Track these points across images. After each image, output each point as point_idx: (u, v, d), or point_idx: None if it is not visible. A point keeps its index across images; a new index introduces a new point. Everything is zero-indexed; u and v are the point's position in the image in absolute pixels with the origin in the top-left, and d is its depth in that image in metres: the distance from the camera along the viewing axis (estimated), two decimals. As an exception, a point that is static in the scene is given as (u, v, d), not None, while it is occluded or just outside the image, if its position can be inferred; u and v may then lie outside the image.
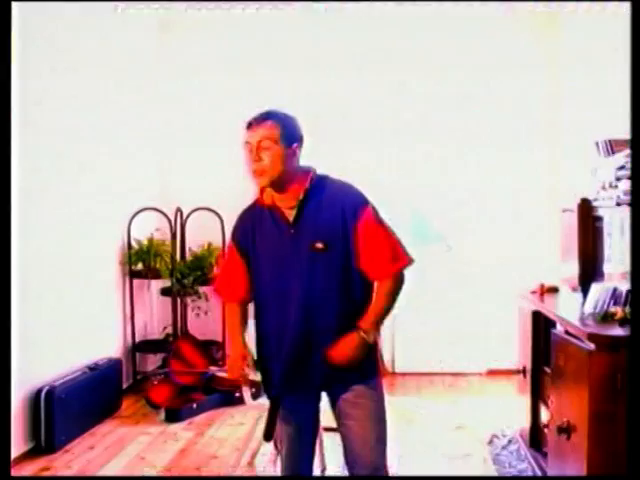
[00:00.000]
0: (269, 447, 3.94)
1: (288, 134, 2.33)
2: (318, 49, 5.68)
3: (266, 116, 2.34)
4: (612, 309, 2.87)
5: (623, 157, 3.16)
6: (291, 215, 2.36)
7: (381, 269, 2.36)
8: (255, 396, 2.72)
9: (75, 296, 4.46)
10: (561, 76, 5.39)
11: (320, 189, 2.39)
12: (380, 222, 2.36)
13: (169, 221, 5.33)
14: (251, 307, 2.57)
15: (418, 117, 5.67)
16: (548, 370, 3.42)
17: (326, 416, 3.87)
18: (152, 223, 5.34)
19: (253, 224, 2.44)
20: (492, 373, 5.59)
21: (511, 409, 4.29)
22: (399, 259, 2.37)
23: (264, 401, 2.57)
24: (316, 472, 3.37)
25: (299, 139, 2.38)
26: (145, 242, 5.22)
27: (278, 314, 2.38)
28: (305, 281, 2.32)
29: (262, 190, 2.42)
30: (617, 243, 3.34)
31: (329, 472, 3.65)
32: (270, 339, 2.44)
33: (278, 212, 2.39)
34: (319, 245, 2.31)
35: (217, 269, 2.97)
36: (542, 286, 3.87)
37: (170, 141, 5.85)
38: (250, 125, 2.36)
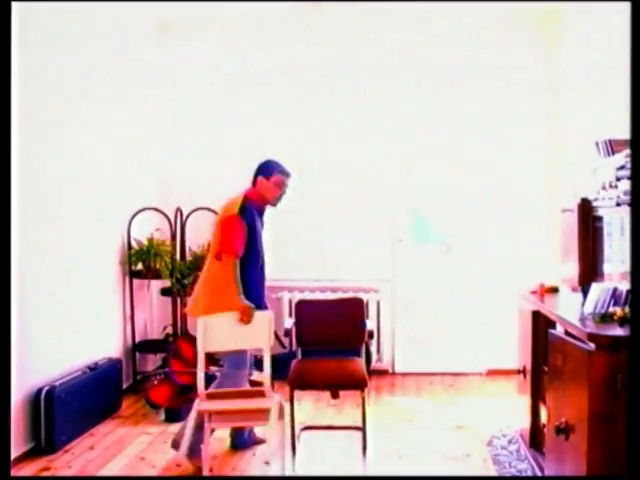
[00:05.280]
0: (269, 447, 3.95)
1: None
2: (319, 50, 5.67)
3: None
4: (612, 309, 2.87)
5: (623, 157, 3.15)
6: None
7: None
8: None
9: (75, 296, 4.47)
10: (561, 76, 5.39)
11: None
12: None
13: (169, 221, 5.33)
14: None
15: (419, 118, 5.67)
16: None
17: (326, 415, 3.89)
18: (152, 223, 5.34)
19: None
20: (492, 373, 5.59)
21: (511, 409, 4.29)
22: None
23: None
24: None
25: None
26: (145, 242, 5.22)
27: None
28: None
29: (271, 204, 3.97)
30: (617, 243, 3.34)
31: (329, 471, 3.66)
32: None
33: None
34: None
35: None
36: (542, 286, 3.87)
37: (170, 141, 5.85)
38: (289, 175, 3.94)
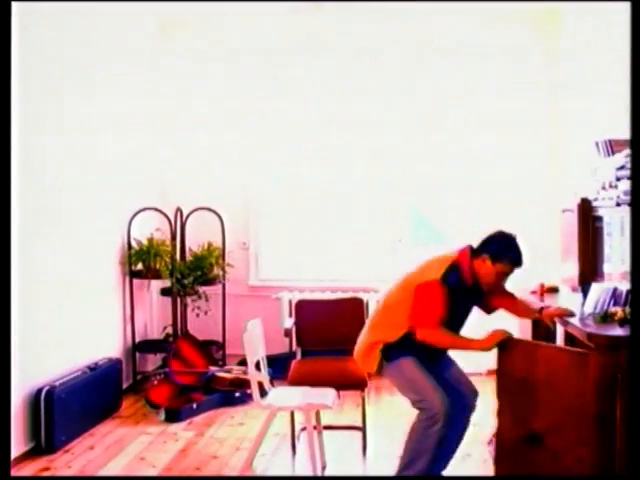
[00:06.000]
0: (268, 447, 3.95)
1: None
2: (318, 46, 5.66)
3: None
4: (612, 309, 2.87)
5: (623, 157, 3.16)
6: None
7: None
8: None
9: (75, 296, 4.46)
10: (561, 76, 5.38)
11: None
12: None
13: (169, 221, 5.33)
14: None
15: (419, 119, 5.66)
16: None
17: (326, 415, 3.89)
18: (152, 223, 5.34)
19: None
20: (492, 373, 5.56)
21: (511, 409, 4.28)
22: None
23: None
24: (317, 471, 3.38)
25: None
26: (145, 242, 5.22)
27: None
28: None
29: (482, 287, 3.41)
30: (617, 243, 3.35)
31: (329, 471, 3.66)
32: None
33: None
34: None
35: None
36: (542, 286, 3.87)
37: (170, 141, 5.84)
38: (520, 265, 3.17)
